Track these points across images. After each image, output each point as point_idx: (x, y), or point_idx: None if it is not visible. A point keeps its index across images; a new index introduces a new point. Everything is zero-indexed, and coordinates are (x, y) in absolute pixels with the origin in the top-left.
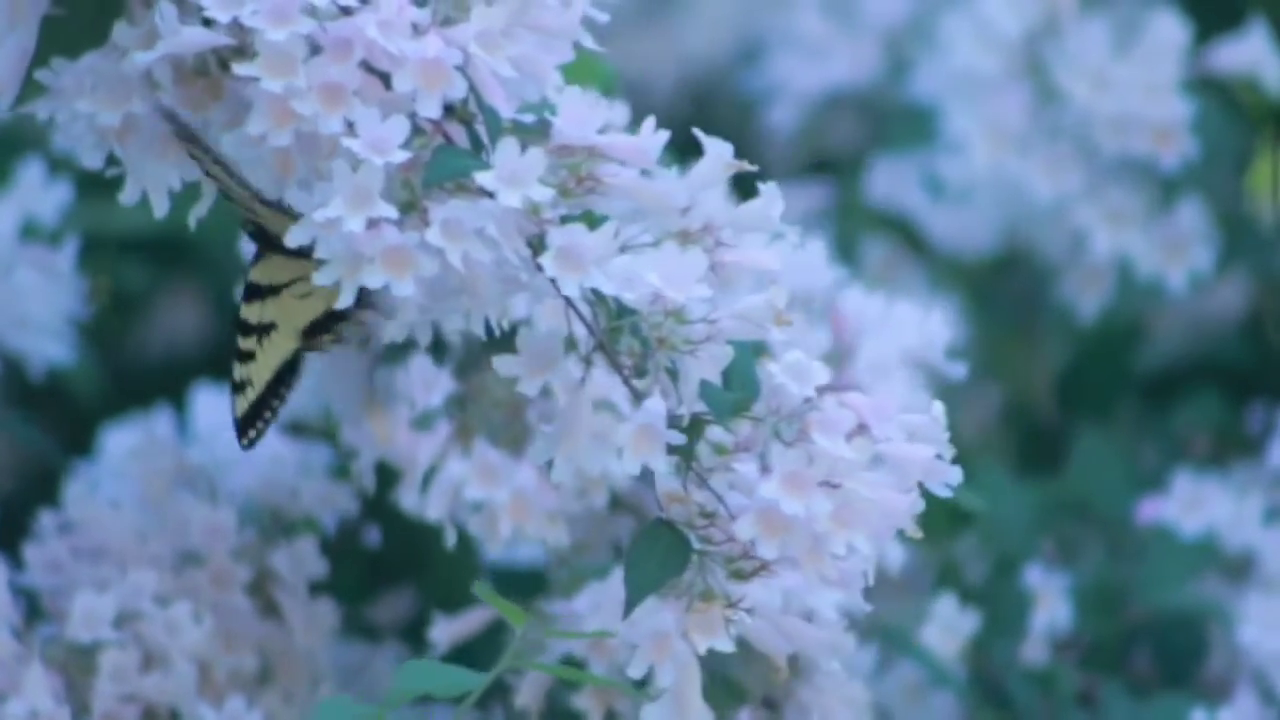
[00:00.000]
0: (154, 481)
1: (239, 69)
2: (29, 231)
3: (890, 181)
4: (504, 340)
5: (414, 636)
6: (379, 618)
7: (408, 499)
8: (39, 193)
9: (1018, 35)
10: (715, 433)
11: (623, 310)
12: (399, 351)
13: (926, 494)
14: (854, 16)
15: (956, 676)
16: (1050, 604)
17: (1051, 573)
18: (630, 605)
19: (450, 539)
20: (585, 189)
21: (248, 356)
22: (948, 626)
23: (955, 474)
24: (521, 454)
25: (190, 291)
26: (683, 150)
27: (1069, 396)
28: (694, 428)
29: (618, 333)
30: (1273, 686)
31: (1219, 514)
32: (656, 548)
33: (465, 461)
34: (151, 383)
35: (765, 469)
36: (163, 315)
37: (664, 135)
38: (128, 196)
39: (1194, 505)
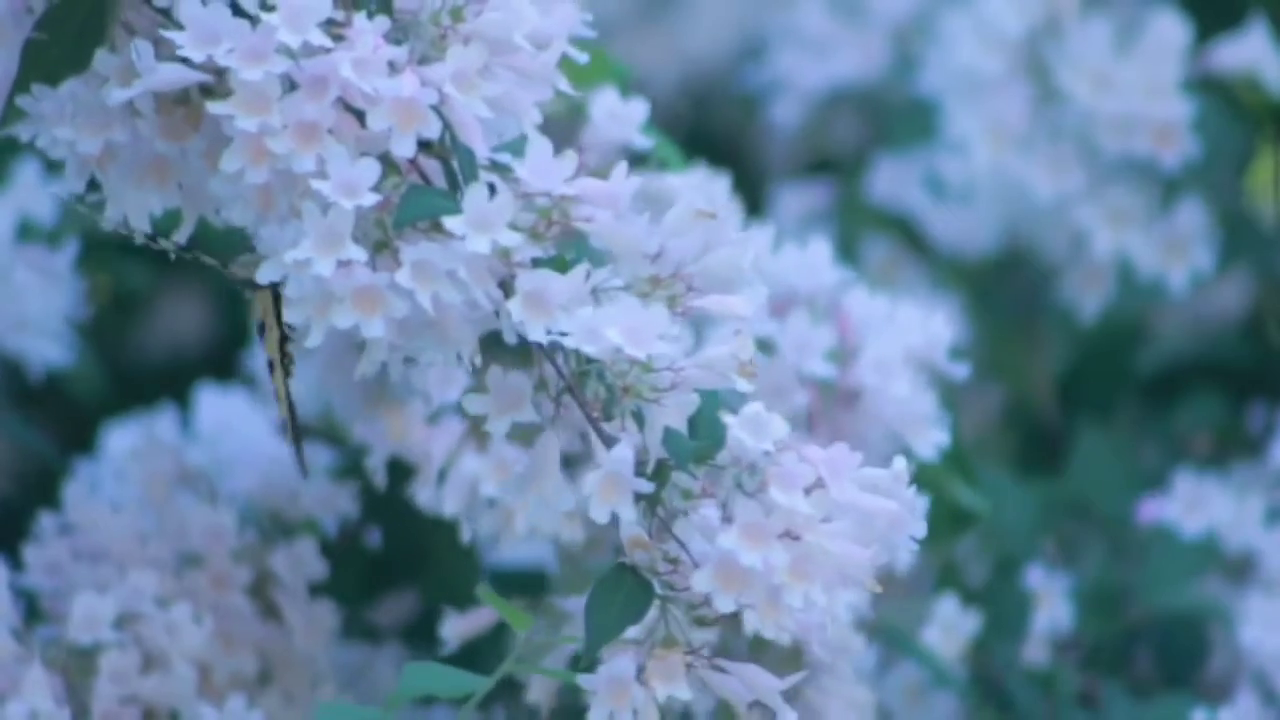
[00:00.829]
0: (154, 483)
1: (213, 108)
2: (27, 232)
3: (892, 181)
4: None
5: (415, 638)
6: (379, 619)
7: (423, 494)
8: (37, 193)
9: (1019, 35)
10: (682, 478)
11: (589, 357)
12: None
13: (929, 494)
14: (859, 13)
15: (957, 677)
16: (1051, 605)
17: (1052, 573)
18: (590, 649)
19: (465, 534)
20: (555, 233)
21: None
22: (949, 627)
23: (920, 528)
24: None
25: (191, 291)
26: (687, 149)
27: (1070, 396)
28: (660, 474)
29: (585, 377)
30: (1274, 687)
31: (1220, 514)
32: (619, 593)
33: (480, 457)
34: (152, 383)
35: (726, 518)
36: (163, 315)
37: (635, 182)
38: (108, 221)
39: (1195, 505)
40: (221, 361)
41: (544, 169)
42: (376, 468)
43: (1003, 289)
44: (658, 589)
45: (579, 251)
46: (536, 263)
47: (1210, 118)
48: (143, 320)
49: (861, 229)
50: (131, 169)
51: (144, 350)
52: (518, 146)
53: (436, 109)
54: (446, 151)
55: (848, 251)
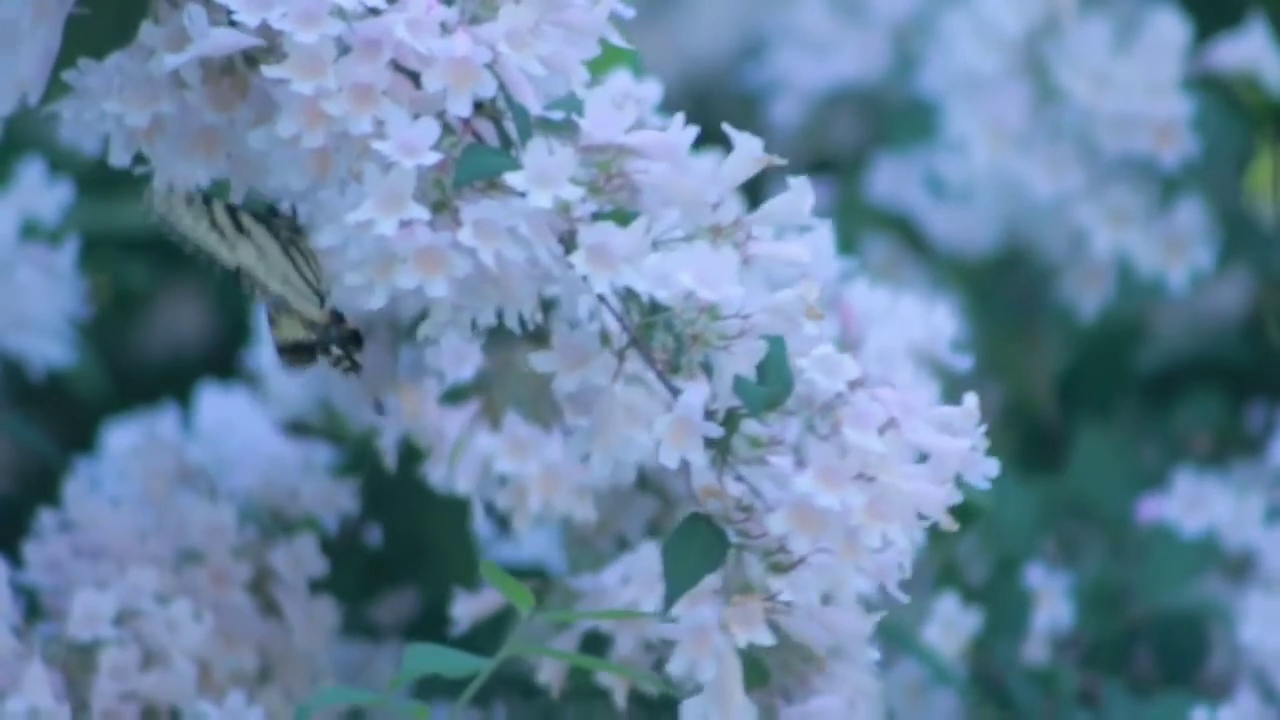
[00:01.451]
0: (155, 480)
1: (269, 71)
2: (30, 231)
3: (891, 180)
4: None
5: (415, 635)
6: (379, 617)
7: (436, 473)
8: (40, 192)
9: (1018, 34)
10: (749, 426)
11: (655, 307)
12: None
13: None
14: (859, 12)
15: (958, 675)
16: (1051, 603)
17: (1052, 572)
18: (669, 600)
19: (477, 513)
20: (615, 186)
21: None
22: (949, 625)
23: (991, 466)
24: (550, 428)
25: (192, 290)
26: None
27: (1069, 395)
28: (729, 422)
29: (651, 329)
30: (1273, 685)
31: (1220, 513)
32: (694, 542)
33: (494, 436)
34: (153, 381)
35: (800, 462)
36: (164, 314)
37: (693, 130)
38: (155, 192)
39: (1195, 504)
40: (222, 360)
41: (605, 120)
42: (388, 449)
43: (1002, 288)
44: (732, 537)
45: (635, 206)
46: (596, 217)
47: (1210, 117)
48: (143, 319)
49: (861, 228)
50: (179, 140)
51: (145, 349)
52: (567, 104)
53: (489, 67)
54: (498, 111)
55: (848, 250)
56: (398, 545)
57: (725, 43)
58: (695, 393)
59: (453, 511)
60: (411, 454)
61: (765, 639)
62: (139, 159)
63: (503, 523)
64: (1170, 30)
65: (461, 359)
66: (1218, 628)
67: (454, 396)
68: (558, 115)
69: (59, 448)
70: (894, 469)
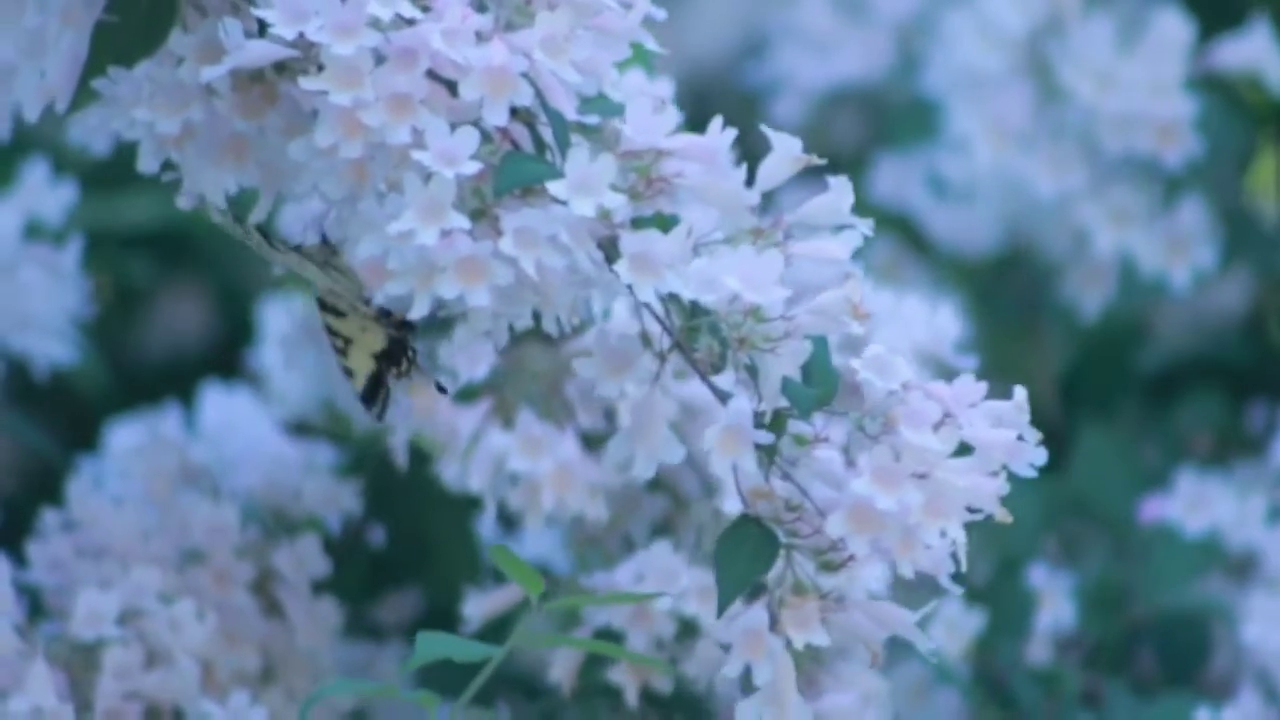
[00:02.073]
0: (158, 480)
1: (306, 84)
2: (33, 230)
3: (893, 179)
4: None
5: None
6: (382, 617)
7: (449, 471)
8: (44, 193)
9: (1021, 33)
10: (798, 425)
11: (698, 310)
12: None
13: None
14: (861, 11)
15: (960, 676)
16: (1054, 604)
17: (1055, 572)
18: (724, 604)
19: (489, 511)
20: (655, 191)
21: (344, 345)
22: (952, 626)
23: (1040, 455)
24: (561, 427)
25: (194, 288)
26: None
27: (1071, 395)
28: (777, 423)
29: (695, 332)
30: (1276, 685)
31: (1222, 513)
32: (745, 544)
33: (507, 433)
34: (155, 380)
35: (851, 463)
36: (166, 313)
37: (731, 134)
38: (185, 201)
39: (1197, 505)
40: (225, 360)
41: (647, 124)
42: (399, 447)
43: (1004, 288)
44: (782, 538)
45: (673, 210)
46: (636, 223)
47: (1212, 116)
48: (145, 318)
49: None
50: (209, 148)
51: (147, 349)
52: (600, 106)
53: (525, 75)
54: (532, 117)
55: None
56: (401, 546)
57: (727, 41)
58: (744, 399)
59: (456, 512)
60: (415, 455)
61: (822, 639)
62: (166, 165)
63: (507, 523)
64: (1173, 30)
65: (475, 358)
66: (1220, 628)
67: (466, 395)
68: (592, 119)
69: (61, 447)
70: (946, 465)
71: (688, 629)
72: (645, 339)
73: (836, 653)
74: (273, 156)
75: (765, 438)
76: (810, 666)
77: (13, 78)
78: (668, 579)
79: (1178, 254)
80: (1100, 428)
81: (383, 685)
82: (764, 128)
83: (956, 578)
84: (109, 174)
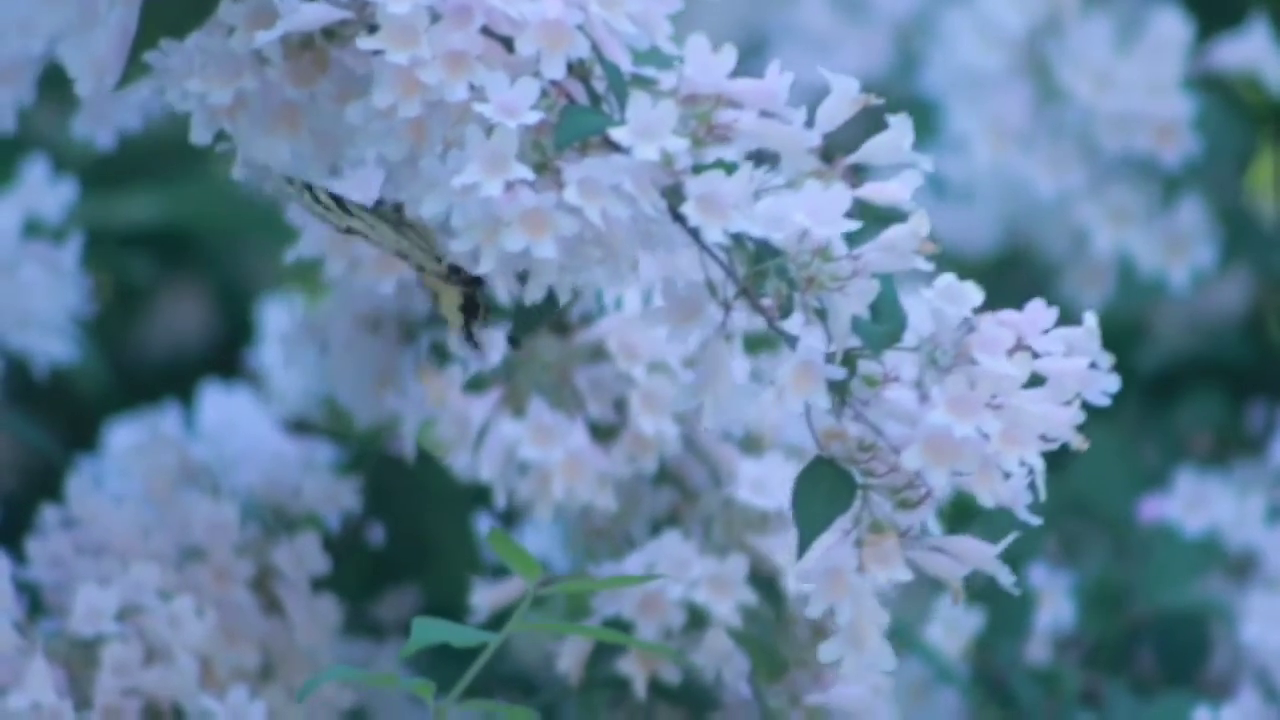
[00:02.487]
0: (157, 477)
1: (363, 43)
2: (33, 228)
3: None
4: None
5: None
6: (381, 615)
7: (459, 461)
8: (44, 190)
9: (1020, 33)
10: (867, 364)
11: (763, 253)
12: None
13: None
14: (860, 11)
15: (960, 675)
16: (1053, 603)
17: (1054, 572)
18: (803, 546)
19: (499, 500)
20: (716, 137)
21: (434, 299)
22: (951, 625)
23: (1112, 382)
24: (572, 417)
25: (194, 287)
26: None
27: None
28: (848, 363)
29: (761, 276)
30: (1275, 685)
31: (1221, 513)
32: (820, 486)
33: (518, 422)
34: (154, 380)
35: (924, 397)
36: (166, 311)
37: (790, 76)
38: (240, 172)
39: (1196, 504)
40: (224, 359)
41: (707, 66)
42: (407, 437)
43: (1003, 287)
44: (857, 477)
45: (729, 157)
46: (697, 169)
47: (1211, 116)
48: (145, 317)
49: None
50: (262, 117)
51: (146, 347)
52: (654, 59)
53: (580, 28)
54: (586, 71)
55: None
56: (400, 543)
57: (726, 41)
58: (815, 336)
59: (455, 510)
60: (416, 453)
61: (904, 575)
62: (220, 137)
63: (507, 521)
64: (1172, 29)
65: (487, 346)
66: (1220, 627)
67: (476, 385)
68: (648, 71)
69: (60, 446)
70: (1020, 393)
71: (697, 619)
72: (710, 287)
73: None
74: (325, 124)
75: (838, 373)
76: (816, 663)
77: (18, 72)
78: (679, 568)
79: (1176, 254)
80: (1099, 427)
81: (381, 674)
82: (821, 69)
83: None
84: (109, 172)
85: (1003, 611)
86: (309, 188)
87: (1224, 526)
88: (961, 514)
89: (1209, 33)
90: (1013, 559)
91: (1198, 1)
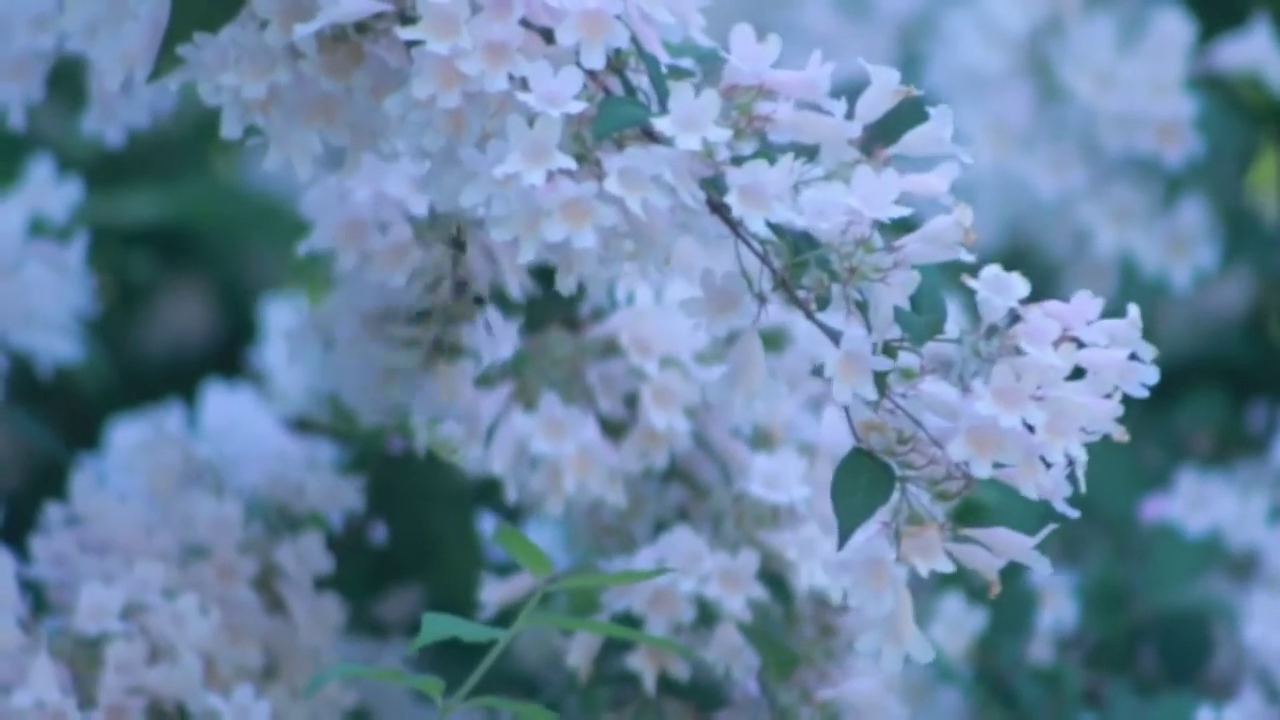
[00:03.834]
0: (161, 476)
1: (404, 33)
2: (38, 227)
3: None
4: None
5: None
6: (385, 614)
7: (471, 455)
8: (48, 190)
9: (1022, 33)
10: (905, 357)
11: (801, 245)
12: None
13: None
14: (863, 11)
15: (962, 675)
16: (1056, 603)
17: (1057, 572)
18: (844, 536)
19: (511, 495)
20: (757, 128)
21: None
22: (954, 624)
23: (1152, 374)
24: (584, 411)
25: (196, 286)
26: None
27: None
28: (888, 354)
29: (801, 268)
30: (1277, 684)
31: (1223, 513)
32: (860, 477)
33: (530, 416)
34: (157, 379)
35: (966, 388)
36: (168, 309)
37: (830, 67)
38: (270, 163)
39: (1198, 504)
40: (227, 358)
41: (752, 54)
42: (419, 431)
43: None
44: (896, 470)
45: (768, 148)
46: (736, 161)
47: (1213, 116)
48: (148, 316)
49: None
50: (296, 111)
51: (148, 347)
52: (689, 51)
53: (619, 18)
54: (623, 64)
55: None
56: (403, 543)
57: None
58: (859, 327)
59: (458, 509)
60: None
61: (945, 566)
62: (250, 131)
63: (511, 517)
64: (1174, 30)
65: (499, 339)
66: (1222, 627)
67: (487, 380)
68: (685, 63)
69: (64, 444)
70: (1064, 384)
71: (707, 615)
72: (746, 279)
73: (845, 647)
74: (360, 117)
75: (884, 364)
76: (822, 661)
77: (28, 68)
78: (690, 563)
79: (1178, 253)
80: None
81: (388, 670)
82: (860, 60)
83: (955, 578)
84: (112, 171)
85: (1005, 611)
86: None
87: (1226, 526)
88: (971, 511)
89: (1211, 33)
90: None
91: (1200, 2)
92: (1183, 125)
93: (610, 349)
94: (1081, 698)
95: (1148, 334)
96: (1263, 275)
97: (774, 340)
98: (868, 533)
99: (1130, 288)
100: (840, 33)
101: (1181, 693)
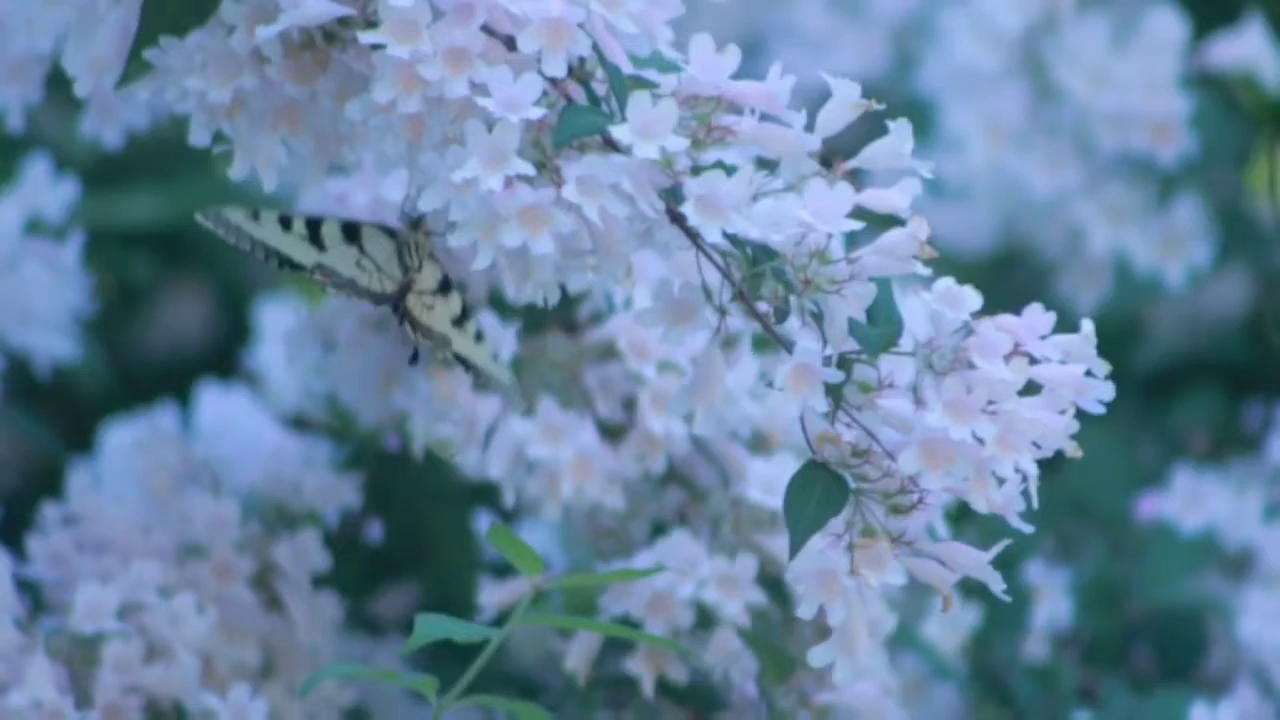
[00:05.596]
0: (157, 475)
1: (365, 37)
2: (34, 227)
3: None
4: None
5: None
6: (381, 612)
7: (469, 459)
8: (45, 189)
9: (1016, 32)
10: (861, 370)
11: (759, 256)
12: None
13: None
14: (858, 11)
15: (958, 671)
16: (1051, 600)
17: (1052, 569)
18: (795, 548)
19: (508, 499)
20: (715, 138)
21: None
22: (949, 622)
23: (1108, 390)
24: (582, 415)
25: (193, 287)
26: None
27: None
28: (843, 367)
29: (759, 279)
30: (1272, 680)
31: (1218, 510)
32: (814, 489)
33: (527, 421)
34: (153, 379)
35: (920, 401)
36: (165, 311)
37: (791, 79)
38: (237, 171)
39: (1194, 502)
40: (223, 359)
41: (711, 64)
42: (417, 435)
43: (1000, 286)
44: (850, 482)
45: (729, 160)
46: (695, 171)
47: (1207, 114)
48: (144, 317)
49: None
50: (262, 116)
51: (145, 347)
52: (655, 63)
53: (582, 27)
54: (587, 74)
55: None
56: (399, 541)
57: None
58: (811, 338)
59: (455, 507)
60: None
61: (898, 578)
62: (218, 138)
63: (507, 518)
64: (1168, 28)
65: (498, 343)
66: (1217, 624)
67: (484, 383)
68: (649, 74)
69: (61, 444)
70: (1016, 398)
71: (705, 619)
72: (706, 292)
73: None
74: (325, 123)
75: (834, 375)
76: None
77: (26, 70)
78: (688, 566)
79: (1173, 252)
80: (1097, 425)
81: (382, 670)
82: (823, 73)
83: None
84: (110, 171)
85: (1000, 609)
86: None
87: (1221, 524)
88: (964, 517)
89: (1205, 31)
90: (1010, 557)
91: (1193, 0)
92: (1177, 124)
93: (608, 353)
94: (1077, 695)
95: (1142, 332)
96: (1258, 274)
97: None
98: (821, 544)
99: (1124, 286)
100: (834, 32)
101: (1177, 689)
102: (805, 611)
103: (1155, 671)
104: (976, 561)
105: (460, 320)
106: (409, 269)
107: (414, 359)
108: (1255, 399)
